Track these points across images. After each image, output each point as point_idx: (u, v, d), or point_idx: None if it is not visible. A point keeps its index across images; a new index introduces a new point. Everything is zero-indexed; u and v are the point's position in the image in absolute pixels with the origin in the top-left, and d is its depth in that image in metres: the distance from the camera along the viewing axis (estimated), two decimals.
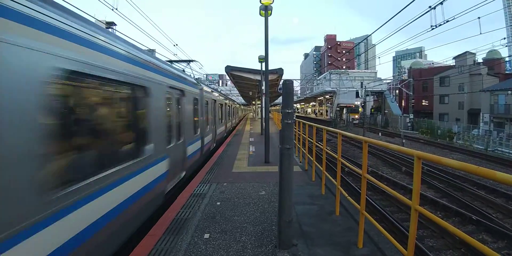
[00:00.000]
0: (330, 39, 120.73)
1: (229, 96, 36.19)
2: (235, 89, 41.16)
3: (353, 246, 3.90)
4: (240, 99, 59.00)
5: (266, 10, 9.14)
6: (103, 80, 3.68)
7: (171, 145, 6.44)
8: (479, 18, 14.96)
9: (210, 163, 9.88)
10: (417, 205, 2.58)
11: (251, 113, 65.54)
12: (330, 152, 5.94)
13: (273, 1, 8.99)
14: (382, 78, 53.91)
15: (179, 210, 5.37)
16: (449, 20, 12.68)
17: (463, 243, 6.75)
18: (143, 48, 6.87)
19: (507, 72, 48.06)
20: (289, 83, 3.93)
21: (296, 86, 57.53)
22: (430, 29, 13.47)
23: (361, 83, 43.52)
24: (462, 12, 12.20)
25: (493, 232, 7.70)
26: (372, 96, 51.33)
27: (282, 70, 19.36)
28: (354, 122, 47.97)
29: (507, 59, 49.56)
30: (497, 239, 7.47)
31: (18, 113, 2.35)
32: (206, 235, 4.29)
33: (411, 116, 39.94)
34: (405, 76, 50.71)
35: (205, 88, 11.93)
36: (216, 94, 15.43)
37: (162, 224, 4.69)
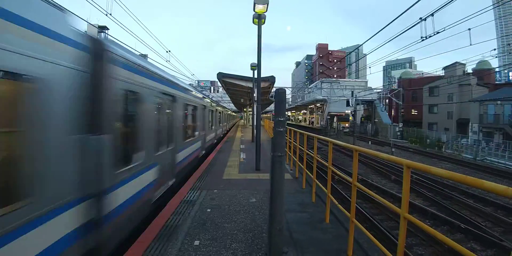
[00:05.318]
0: (322, 48, 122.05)
1: (221, 103, 35.85)
2: (227, 96, 41.18)
3: (343, 254, 3.91)
4: (232, 106, 59.00)
5: (259, 19, 9.22)
6: None
7: None
8: (469, 29, 15.29)
9: (201, 170, 9.82)
10: (406, 213, 2.61)
11: (242, 120, 65.50)
12: (321, 160, 5.98)
13: (266, 10, 9.06)
14: (372, 88, 54.68)
15: (169, 216, 5.32)
16: (439, 31, 12.92)
17: (451, 251, 6.80)
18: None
19: (496, 82, 48.98)
20: (281, 92, 3.96)
21: (288, 94, 57.85)
22: (421, 40, 13.71)
23: (352, 92, 44.02)
24: (453, 24, 12.47)
25: (482, 241, 7.78)
26: (362, 105, 51.78)
27: (274, 78, 19.52)
28: (344, 130, 48.41)
29: (497, 69, 50.53)
30: (485, 248, 7.54)
31: None
32: (196, 242, 4.26)
33: (401, 125, 40.40)
34: (395, 86, 51.50)
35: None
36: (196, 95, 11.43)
37: (152, 231, 4.64)
